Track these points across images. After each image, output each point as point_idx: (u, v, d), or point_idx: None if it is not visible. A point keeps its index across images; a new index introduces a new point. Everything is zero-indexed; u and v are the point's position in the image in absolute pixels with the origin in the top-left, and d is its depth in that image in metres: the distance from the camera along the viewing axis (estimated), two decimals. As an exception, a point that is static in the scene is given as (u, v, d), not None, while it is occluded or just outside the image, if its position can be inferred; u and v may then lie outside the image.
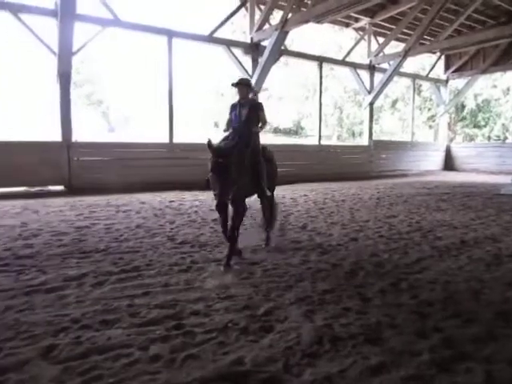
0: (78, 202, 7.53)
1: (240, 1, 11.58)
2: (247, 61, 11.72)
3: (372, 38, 14.63)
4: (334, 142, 25.01)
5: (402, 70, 15.40)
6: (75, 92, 17.11)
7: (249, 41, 11.65)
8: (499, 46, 15.30)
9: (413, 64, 20.80)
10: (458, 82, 19.00)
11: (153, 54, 22.23)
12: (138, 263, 3.82)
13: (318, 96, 13.80)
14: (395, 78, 15.95)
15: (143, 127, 24.30)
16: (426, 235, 5.24)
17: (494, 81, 22.31)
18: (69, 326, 2.52)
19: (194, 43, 11.31)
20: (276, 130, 27.89)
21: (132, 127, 26.32)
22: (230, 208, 3.81)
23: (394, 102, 25.79)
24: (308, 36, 20.75)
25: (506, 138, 23.26)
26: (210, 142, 3.47)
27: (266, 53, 10.99)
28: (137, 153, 10.05)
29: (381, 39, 14.72)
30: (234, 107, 4.24)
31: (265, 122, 4.25)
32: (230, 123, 4.22)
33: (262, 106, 4.29)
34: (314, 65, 14.01)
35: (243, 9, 11.76)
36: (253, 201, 4.52)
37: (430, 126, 24.34)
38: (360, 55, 15.55)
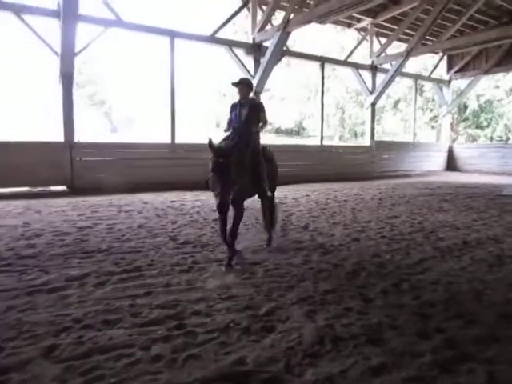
0: (81, 202, 7.55)
1: (242, 1, 11.58)
2: (249, 61, 11.73)
3: (374, 38, 14.60)
4: (335, 142, 25.01)
5: (404, 70, 15.38)
6: (77, 92, 17.13)
7: (251, 41, 11.66)
8: (502, 47, 15.25)
9: (415, 64, 20.78)
10: (460, 83, 18.96)
11: (155, 55, 22.32)
12: (139, 263, 3.82)
13: (320, 96, 13.78)
14: (397, 79, 15.93)
15: (146, 128, 24.36)
16: (429, 236, 5.23)
17: (496, 81, 22.25)
18: (71, 326, 2.53)
19: (196, 44, 11.31)
20: (278, 131, 27.91)
21: (134, 128, 26.39)
22: (230, 209, 3.80)
23: (396, 103, 25.76)
24: (310, 36, 20.78)
25: (508, 138, 23.21)
26: (210, 141, 3.46)
27: (268, 53, 10.99)
28: (139, 153, 10.06)
29: (383, 40, 14.69)
30: (234, 107, 4.23)
31: (265, 123, 4.23)
32: (230, 123, 4.21)
33: (263, 107, 4.28)
34: (316, 65, 13.99)
35: (245, 9, 11.76)
36: (253, 201, 4.52)
37: (433, 127, 24.29)
38: (362, 56, 15.52)
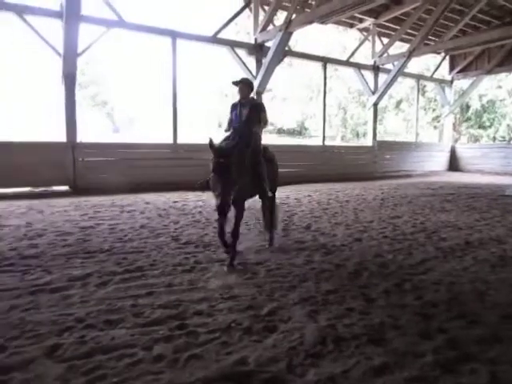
0: (83, 202, 7.57)
1: (244, 1, 11.59)
2: (251, 61, 11.73)
3: (376, 38, 14.58)
4: (337, 142, 24.99)
5: (406, 70, 15.34)
6: (80, 93, 17.22)
7: (253, 42, 11.66)
8: (504, 47, 15.20)
9: (417, 64, 20.73)
10: (462, 83, 18.90)
11: (157, 55, 22.35)
12: (141, 263, 3.83)
13: (322, 97, 13.78)
14: (399, 79, 15.89)
15: (148, 128, 24.40)
16: (431, 236, 5.22)
17: (499, 81, 22.19)
18: (73, 326, 2.54)
19: (198, 44, 11.32)
20: (280, 131, 27.93)
21: (136, 128, 26.43)
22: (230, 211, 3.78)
23: (399, 103, 25.72)
24: (312, 37, 20.75)
25: (511, 138, 23.13)
26: (211, 141, 3.45)
27: (270, 53, 10.99)
28: (141, 153, 10.07)
29: (385, 40, 14.67)
30: (234, 107, 4.22)
31: (266, 123, 4.22)
32: (231, 123, 4.21)
33: (264, 107, 4.27)
34: (318, 65, 14.00)
35: (247, 9, 11.77)
36: (253, 201, 4.52)
37: (435, 127, 24.25)
38: (364, 56, 15.50)
